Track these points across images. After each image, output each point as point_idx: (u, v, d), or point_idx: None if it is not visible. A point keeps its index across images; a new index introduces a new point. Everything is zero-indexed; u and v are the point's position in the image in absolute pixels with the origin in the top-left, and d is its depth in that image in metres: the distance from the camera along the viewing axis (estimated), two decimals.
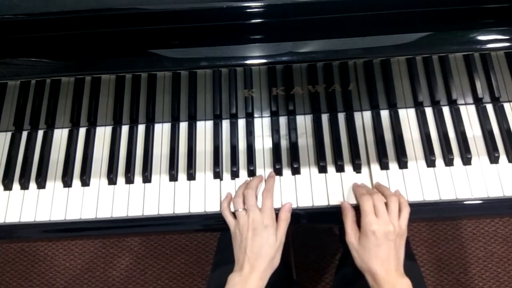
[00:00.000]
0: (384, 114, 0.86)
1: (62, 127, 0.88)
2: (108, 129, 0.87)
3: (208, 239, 1.51)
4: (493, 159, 0.80)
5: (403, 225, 0.71)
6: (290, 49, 0.67)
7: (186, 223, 0.82)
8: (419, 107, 0.85)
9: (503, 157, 0.81)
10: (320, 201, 0.79)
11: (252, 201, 0.74)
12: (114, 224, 0.82)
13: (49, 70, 0.69)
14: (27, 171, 0.84)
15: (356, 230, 0.72)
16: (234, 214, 0.76)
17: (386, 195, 0.73)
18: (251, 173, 0.82)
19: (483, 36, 0.67)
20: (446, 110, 0.85)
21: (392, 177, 0.80)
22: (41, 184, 0.83)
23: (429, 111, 0.85)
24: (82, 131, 0.88)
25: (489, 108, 0.85)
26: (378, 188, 0.77)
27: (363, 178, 0.80)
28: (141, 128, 0.87)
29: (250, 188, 0.76)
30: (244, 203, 0.75)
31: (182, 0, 0.65)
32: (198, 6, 0.65)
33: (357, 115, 0.85)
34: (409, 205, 0.74)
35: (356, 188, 0.78)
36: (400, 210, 0.72)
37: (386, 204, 0.72)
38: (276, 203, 0.77)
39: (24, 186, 0.83)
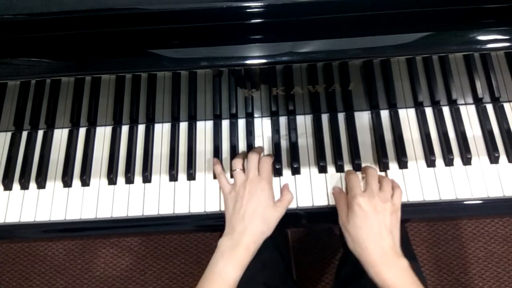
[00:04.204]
0: (384, 114, 0.86)
1: (62, 127, 0.88)
2: (108, 129, 0.87)
3: (208, 239, 1.51)
4: (493, 159, 0.80)
5: (397, 202, 0.70)
6: (290, 49, 0.67)
7: (186, 223, 0.82)
8: (419, 107, 0.85)
9: (503, 157, 0.81)
10: (320, 201, 0.79)
11: (254, 163, 0.74)
12: (114, 224, 0.82)
13: (49, 70, 0.69)
14: (27, 171, 0.84)
15: (346, 210, 0.70)
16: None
17: (379, 176, 0.74)
18: None
19: (483, 36, 0.67)
20: (446, 110, 0.85)
21: (392, 177, 0.80)
22: (41, 184, 0.83)
23: (429, 111, 0.85)
24: (82, 131, 0.88)
25: (489, 108, 0.85)
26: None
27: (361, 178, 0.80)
28: (141, 128, 0.87)
29: (254, 152, 0.76)
30: (243, 165, 0.75)
31: (182, 0, 0.65)
32: (198, 6, 0.65)
33: (357, 115, 0.85)
34: (409, 205, 0.74)
35: (346, 172, 0.78)
36: (392, 190, 0.72)
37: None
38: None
39: (24, 186, 0.83)
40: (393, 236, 0.66)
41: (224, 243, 0.69)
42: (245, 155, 0.79)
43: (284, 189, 0.78)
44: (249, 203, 0.70)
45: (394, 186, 0.74)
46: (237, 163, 0.76)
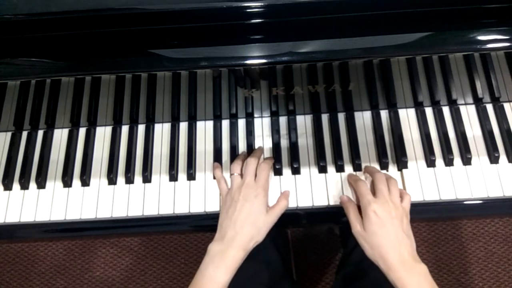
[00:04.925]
0: (384, 114, 0.86)
1: (62, 127, 0.88)
2: (108, 129, 0.87)
3: (208, 239, 1.50)
4: (493, 159, 0.80)
5: (406, 206, 0.70)
6: (290, 49, 0.67)
7: (186, 223, 0.82)
8: (419, 107, 0.85)
9: (503, 157, 0.81)
10: (320, 201, 0.79)
11: (252, 168, 0.74)
12: (114, 224, 0.82)
13: (49, 70, 0.69)
14: (27, 171, 0.84)
15: (360, 219, 0.70)
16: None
17: (387, 178, 0.73)
18: None
19: (483, 36, 0.67)
20: (446, 110, 0.85)
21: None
22: (41, 184, 0.83)
23: (429, 111, 0.85)
24: (82, 131, 0.88)
25: (489, 108, 0.85)
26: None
27: (363, 178, 0.80)
28: (141, 128, 0.87)
29: (253, 157, 0.76)
30: (241, 170, 0.75)
31: (182, 0, 0.65)
32: (198, 6, 0.65)
33: (357, 115, 0.85)
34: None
35: (349, 176, 0.78)
36: (401, 197, 0.72)
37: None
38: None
39: (24, 186, 0.83)
40: (410, 239, 0.67)
41: (214, 248, 0.69)
42: (245, 158, 0.79)
43: (281, 196, 0.77)
44: (242, 209, 0.70)
45: (401, 192, 0.73)
46: (236, 167, 0.76)
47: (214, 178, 0.81)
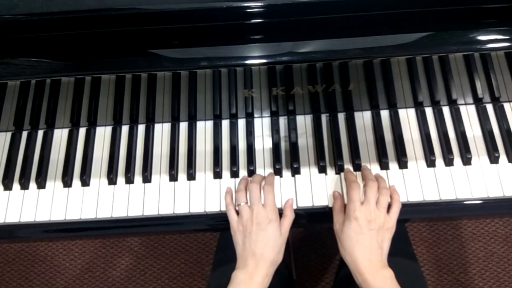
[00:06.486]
0: (384, 114, 0.86)
1: (62, 127, 0.88)
2: (108, 129, 0.87)
3: (208, 239, 1.51)
4: (493, 159, 0.80)
5: (392, 219, 0.72)
6: (290, 49, 0.67)
7: (186, 223, 0.82)
8: (419, 107, 0.85)
9: (503, 157, 0.81)
10: (320, 201, 0.79)
11: (257, 195, 0.74)
12: (114, 224, 0.82)
13: (49, 70, 0.69)
14: (27, 171, 0.84)
15: (342, 218, 0.72)
16: (236, 212, 0.75)
17: (379, 187, 0.74)
18: (251, 173, 0.82)
19: (483, 36, 0.67)
20: (446, 110, 0.85)
21: (392, 177, 0.80)
22: (41, 184, 0.83)
23: (429, 111, 0.85)
24: (82, 131, 0.88)
25: (489, 108, 0.85)
26: (376, 177, 0.77)
27: (360, 179, 0.80)
28: (141, 128, 0.87)
29: (254, 183, 0.75)
30: (246, 197, 0.75)
31: (182, 0, 0.65)
32: (198, 6, 0.65)
33: (357, 115, 0.85)
34: (409, 205, 0.74)
35: (347, 174, 0.78)
36: (391, 205, 0.73)
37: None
38: (277, 203, 0.77)
39: (24, 186, 0.83)
40: (382, 250, 0.70)
41: (238, 276, 0.69)
42: (247, 183, 0.77)
43: (285, 207, 0.77)
44: (258, 238, 0.70)
45: (394, 198, 0.74)
46: (240, 196, 0.75)
47: (215, 177, 0.81)
